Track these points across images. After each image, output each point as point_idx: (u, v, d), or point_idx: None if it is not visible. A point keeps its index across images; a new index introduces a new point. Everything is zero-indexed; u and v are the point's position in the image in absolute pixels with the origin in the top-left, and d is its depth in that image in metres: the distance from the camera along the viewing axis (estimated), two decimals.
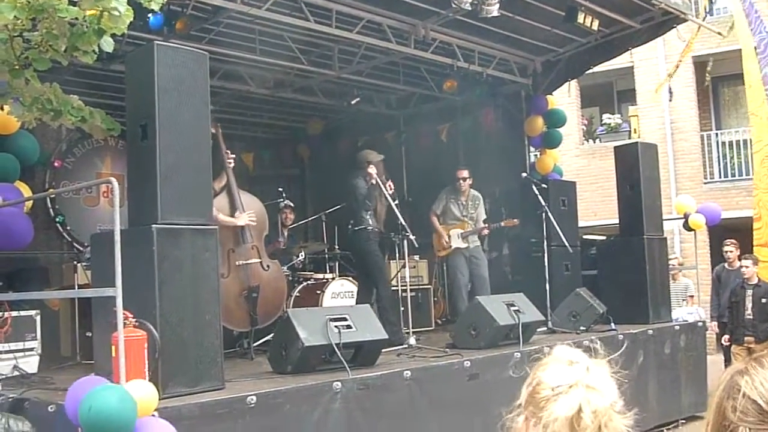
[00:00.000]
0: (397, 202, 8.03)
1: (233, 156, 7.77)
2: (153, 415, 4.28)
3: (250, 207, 7.69)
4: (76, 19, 4.09)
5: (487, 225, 9.40)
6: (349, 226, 8.19)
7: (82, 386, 4.23)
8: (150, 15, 7.28)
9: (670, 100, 16.38)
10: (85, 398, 4.00)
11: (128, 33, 5.48)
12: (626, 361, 7.93)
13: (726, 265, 10.39)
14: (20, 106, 4.81)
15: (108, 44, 4.28)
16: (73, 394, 4.23)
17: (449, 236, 9.28)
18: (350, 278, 9.13)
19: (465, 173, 9.39)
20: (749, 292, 9.23)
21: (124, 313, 4.48)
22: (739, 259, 9.75)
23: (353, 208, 8.14)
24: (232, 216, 7.46)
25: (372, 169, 7.97)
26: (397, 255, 8.82)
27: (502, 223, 9.31)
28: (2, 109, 5.33)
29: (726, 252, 10.37)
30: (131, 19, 4.18)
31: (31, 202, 7.73)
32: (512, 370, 6.27)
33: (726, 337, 9.65)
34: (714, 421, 1.45)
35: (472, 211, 9.40)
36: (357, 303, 8.14)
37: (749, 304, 9.18)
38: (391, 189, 8.03)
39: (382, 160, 8.26)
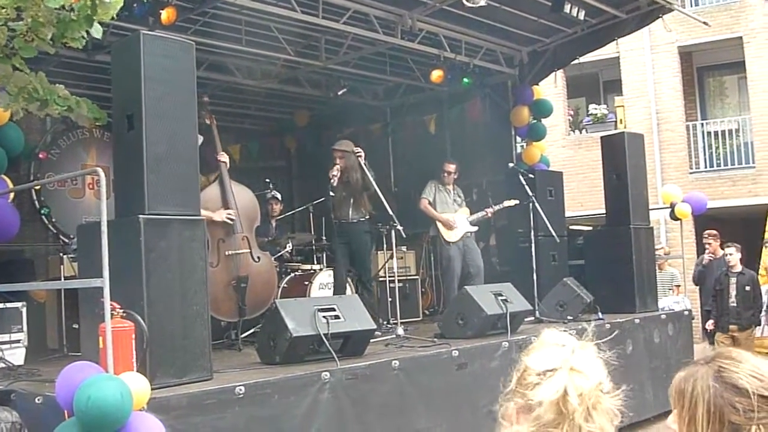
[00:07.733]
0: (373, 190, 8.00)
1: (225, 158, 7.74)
2: (143, 409, 4.26)
3: (242, 198, 7.68)
4: (63, 7, 4.06)
5: (490, 208, 9.22)
6: None
7: (76, 372, 4.18)
8: (135, 4, 7.22)
9: None
10: (84, 386, 3.95)
11: (113, 23, 5.46)
12: (616, 349, 7.97)
13: (705, 255, 10.50)
14: (6, 96, 4.77)
15: (97, 31, 4.25)
16: (66, 379, 4.17)
17: (454, 219, 9.07)
18: None
19: (452, 167, 9.25)
20: (733, 280, 9.30)
21: (111, 304, 4.45)
22: (722, 248, 9.81)
23: None
24: (225, 207, 7.47)
25: (339, 163, 8.06)
26: (385, 245, 8.79)
27: (505, 203, 9.09)
28: None
29: (705, 244, 10.46)
30: (121, 5, 4.15)
31: (15, 194, 7.66)
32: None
33: (710, 321, 9.68)
34: (708, 428, 1.45)
35: (461, 198, 9.39)
36: (334, 292, 8.23)
37: (733, 292, 9.25)
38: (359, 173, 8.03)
39: (350, 149, 8.26)
